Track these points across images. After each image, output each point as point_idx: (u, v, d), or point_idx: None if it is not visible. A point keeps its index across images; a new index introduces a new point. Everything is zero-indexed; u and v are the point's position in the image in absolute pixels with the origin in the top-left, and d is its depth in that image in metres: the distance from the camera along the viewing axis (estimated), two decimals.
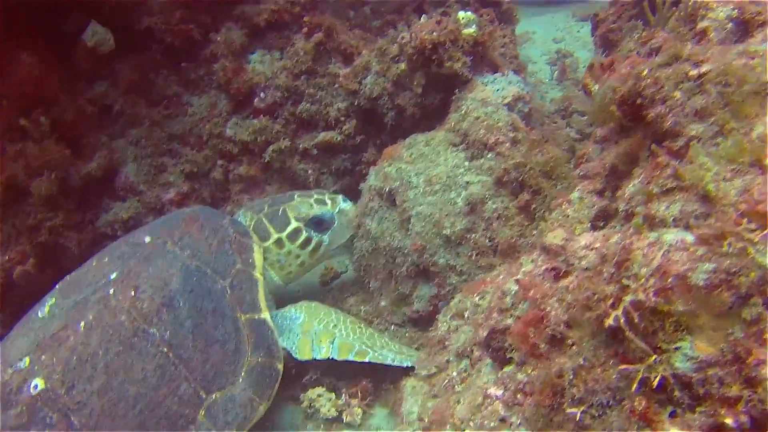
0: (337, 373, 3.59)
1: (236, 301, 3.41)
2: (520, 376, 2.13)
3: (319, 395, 3.56)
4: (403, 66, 4.15)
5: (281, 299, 3.98)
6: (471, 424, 2.16)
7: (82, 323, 3.13)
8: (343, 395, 3.55)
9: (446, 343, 2.68)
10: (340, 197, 4.14)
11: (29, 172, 3.67)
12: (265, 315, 3.46)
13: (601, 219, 2.64)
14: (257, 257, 3.66)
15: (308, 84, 4.51)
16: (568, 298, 2.04)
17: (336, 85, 4.49)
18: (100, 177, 4.12)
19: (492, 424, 2.11)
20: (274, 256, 3.91)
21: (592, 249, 2.14)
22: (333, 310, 3.72)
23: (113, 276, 3.31)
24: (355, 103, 4.47)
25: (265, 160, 4.56)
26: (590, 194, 2.79)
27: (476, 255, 3.53)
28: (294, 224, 3.92)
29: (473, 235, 3.53)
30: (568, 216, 2.74)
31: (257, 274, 3.58)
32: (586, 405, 1.81)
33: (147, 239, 3.52)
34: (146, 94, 4.30)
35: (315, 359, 3.47)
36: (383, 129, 4.57)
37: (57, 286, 3.51)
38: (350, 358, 3.41)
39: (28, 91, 3.59)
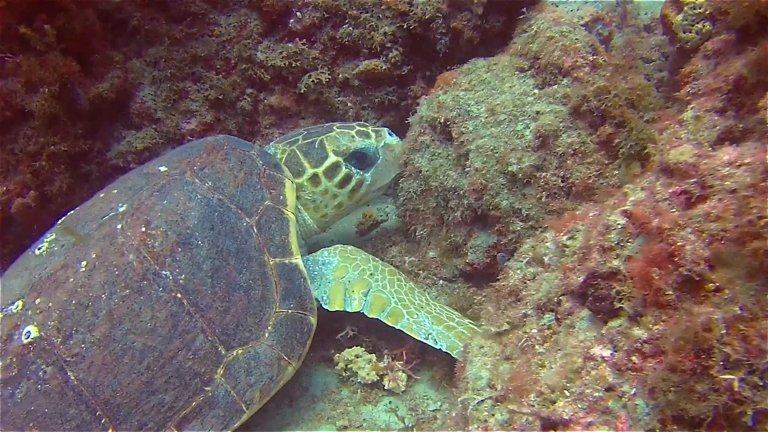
0: (378, 331, 3.09)
1: (264, 242, 2.91)
2: (637, 332, 1.59)
3: (357, 356, 3.07)
4: None
5: (312, 248, 3.47)
6: (566, 393, 1.63)
7: (84, 262, 2.66)
8: (386, 357, 3.06)
9: (521, 294, 2.15)
10: (385, 130, 3.59)
11: (30, 88, 3.18)
12: (297, 259, 2.97)
13: (726, 141, 2.07)
14: (289, 194, 3.15)
15: (351, 4, 3.91)
16: (712, 228, 1.48)
17: (382, 6, 3.89)
18: (112, 101, 3.61)
19: (596, 394, 1.58)
20: (309, 194, 3.40)
21: (740, 165, 1.58)
22: (371, 257, 3.21)
23: (122, 209, 2.83)
24: (404, 27, 3.88)
25: (301, 91, 4.01)
26: (709, 113, 2.21)
27: (546, 197, 2.98)
28: (332, 158, 3.40)
29: (543, 174, 2.97)
30: (681, 139, 2.16)
31: (289, 213, 3.08)
32: (745, 370, 1.34)
33: (162, 169, 3.03)
34: (167, 9, 3.74)
35: (347, 311, 2.99)
36: (434, 59, 3.99)
37: (59, 222, 3.05)
38: (381, 318, 2.94)
39: None
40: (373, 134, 3.51)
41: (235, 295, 2.74)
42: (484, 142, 3.07)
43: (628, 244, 1.76)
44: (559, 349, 1.82)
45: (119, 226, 2.76)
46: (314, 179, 3.38)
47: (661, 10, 4.46)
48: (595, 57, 3.07)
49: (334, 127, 3.50)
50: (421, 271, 3.58)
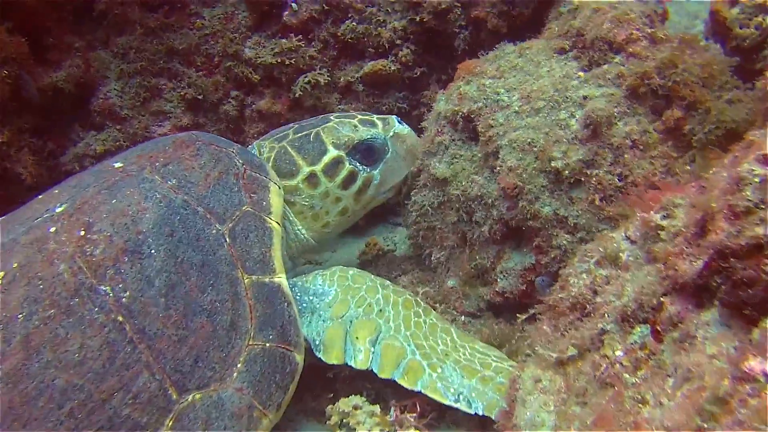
0: None
1: (238, 254, 2.27)
2: None
3: (355, 408, 2.34)
4: None
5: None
6: None
7: (1, 274, 2.02)
8: (393, 409, 2.34)
9: (591, 305, 1.49)
10: (394, 118, 2.99)
11: None
12: (281, 278, 2.32)
13: None
14: (275, 200, 2.52)
15: None
16: None
17: None
18: (69, 94, 3.05)
19: None
20: (306, 199, 2.78)
21: None
22: (378, 283, 2.54)
23: (59, 209, 2.21)
24: (416, 20, 3.35)
25: (296, 95, 3.43)
26: None
27: (600, 200, 2.34)
28: (333, 153, 2.78)
29: (595, 171, 2.36)
30: None
31: (272, 222, 2.44)
32: None
33: (117, 164, 2.42)
34: None
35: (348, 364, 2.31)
36: (452, 57, 3.44)
37: None
38: (396, 378, 2.25)
39: None
40: (379, 123, 2.91)
41: (196, 321, 2.08)
42: (518, 134, 2.46)
43: None
44: (668, 376, 1.15)
45: (52, 229, 2.13)
46: (312, 179, 2.76)
47: (711, 6, 3.94)
48: (653, 29, 2.50)
49: (332, 117, 2.92)
50: (437, 305, 2.90)
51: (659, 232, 1.41)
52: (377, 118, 2.93)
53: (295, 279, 2.56)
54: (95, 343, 1.93)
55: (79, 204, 2.21)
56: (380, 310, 2.43)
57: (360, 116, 2.93)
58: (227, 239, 2.28)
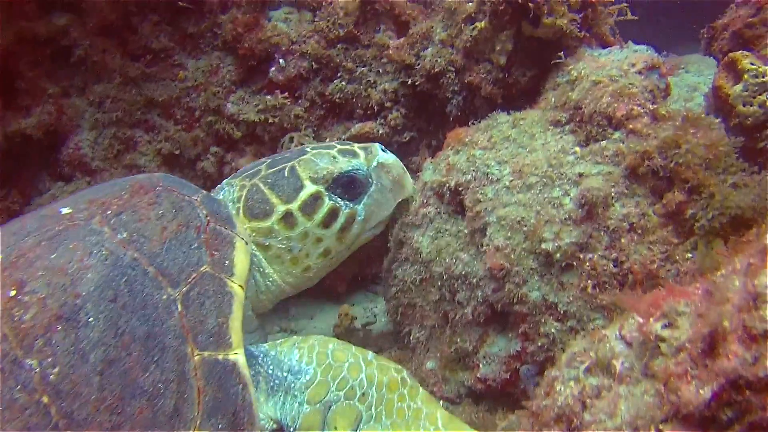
0: None
1: (190, 326, 2.02)
2: None
3: None
4: (482, 24, 2.89)
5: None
6: None
7: None
8: None
9: (579, 419, 1.27)
10: (377, 146, 2.73)
11: None
12: (236, 356, 2.05)
13: None
14: (239, 259, 2.26)
15: (345, 55, 3.28)
16: None
17: (383, 60, 3.26)
18: (38, 141, 2.89)
19: None
20: (282, 241, 2.50)
21: None
22: (361, 359, 2.23)
23: None
24: (408, 83, 3.22)
25: None
26: None
27: (592, 287, 2.14)
28: (310, 188, 2.51)
29: (589, 255, 2.18)
30: None
31: (235, 286, 2.19)
32: None
33: (65, 210, 2.17)
34: (124, 42, 3.10)
35: None
36: (443, 123, 3.30)
37: None
38: None
39: None
40: (361, 152, 2.65)
41: (134, 405, 1.82)
42: (508, 211, 2.28)
43: None
44: None
45: None
46: (288, 219, 2.49)
47: (714, 82, 3.81)
48: (655, 106, 2.35)
49: (308, 149, 2.67)
50: None
51: (659, 344, 1.19)
52: (359, 147, 2.68)
53: (268, 347, 2.29)
54: (12, 428, 1.68)
55: (14, 257, 1.96)
56: (363, 394, 2.16)
57: (339, 146, 2.68)
58: (179, 306, 2.04)
